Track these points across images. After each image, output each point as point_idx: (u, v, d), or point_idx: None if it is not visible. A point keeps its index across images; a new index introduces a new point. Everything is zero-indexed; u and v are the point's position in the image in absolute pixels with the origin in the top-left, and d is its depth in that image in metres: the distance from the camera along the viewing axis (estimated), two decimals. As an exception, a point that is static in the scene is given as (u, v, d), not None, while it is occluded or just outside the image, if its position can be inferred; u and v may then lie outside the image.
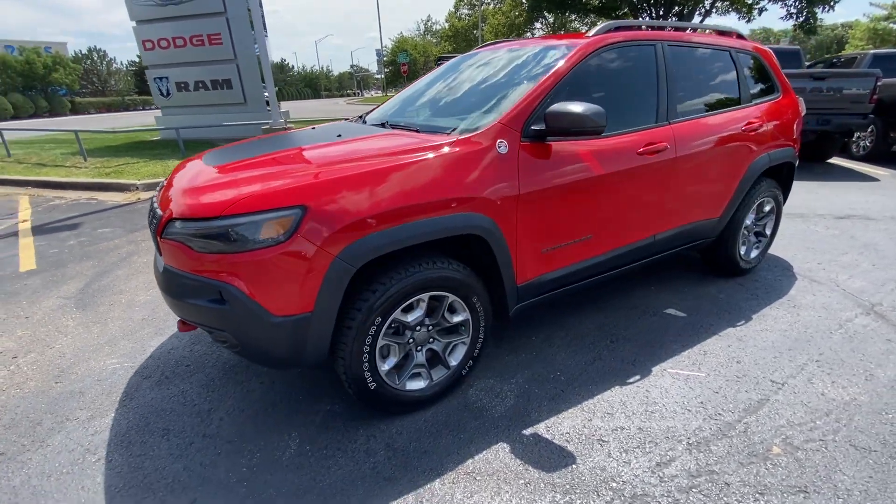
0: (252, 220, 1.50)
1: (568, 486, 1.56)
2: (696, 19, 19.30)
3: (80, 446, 1.80)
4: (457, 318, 1.93)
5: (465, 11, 41.85)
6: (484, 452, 1.72)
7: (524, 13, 26.48)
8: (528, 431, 1.82)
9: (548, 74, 2.08)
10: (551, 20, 29.71)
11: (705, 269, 3.26)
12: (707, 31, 3.00)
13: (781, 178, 3.21)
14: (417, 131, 2.10)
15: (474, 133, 1.89)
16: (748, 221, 3.05)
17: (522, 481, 1.59)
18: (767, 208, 3.18)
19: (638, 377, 2.16)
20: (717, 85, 2.82)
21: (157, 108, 12.04)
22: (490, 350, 2.34)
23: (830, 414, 1.88)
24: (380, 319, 1.68)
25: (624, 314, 2.73)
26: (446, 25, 45.45)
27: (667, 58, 2.49)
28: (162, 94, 11.03)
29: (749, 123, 2.80)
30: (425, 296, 1.79)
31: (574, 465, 1.65)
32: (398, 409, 1.92)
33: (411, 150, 1.81)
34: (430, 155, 1.78)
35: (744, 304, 2.82)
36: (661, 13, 19.07)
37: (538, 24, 29.59)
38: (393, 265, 1.70)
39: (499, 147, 1.86)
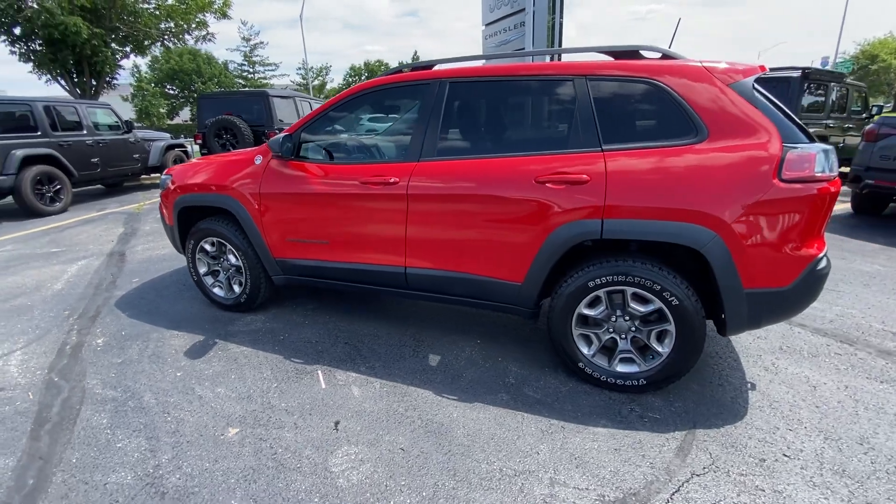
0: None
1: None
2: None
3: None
4: (233, 261, 3.10)
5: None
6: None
7: None
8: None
9: (309, 112, 2.75)
10: None
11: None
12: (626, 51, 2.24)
13: (700, 265, 1.99)
14: None
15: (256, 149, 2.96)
16: (584, 310, 2.17)
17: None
18: (640, 308, 2.08)
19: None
20: (534, 121, 2.21)
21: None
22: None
23: None
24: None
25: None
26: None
27: (449, 95, 2.38)
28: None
29: (558, 174, 2.08)
30: (206, 244, 3.13)
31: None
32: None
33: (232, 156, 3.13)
34: (234, 158, 3.03)
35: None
36: None
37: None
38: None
39: (256, 160, 2.85)
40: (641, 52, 2.22)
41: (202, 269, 3.29)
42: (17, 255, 4.84)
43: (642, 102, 2.06)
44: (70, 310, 3.36)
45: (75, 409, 2.19)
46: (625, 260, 2.05)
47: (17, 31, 12.78)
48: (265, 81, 36.13)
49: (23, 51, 13.26)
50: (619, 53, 2.24)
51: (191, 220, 3.21)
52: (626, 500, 1.61)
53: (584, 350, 2.24)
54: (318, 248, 2.78)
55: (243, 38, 34.97)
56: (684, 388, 2.25)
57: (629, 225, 1.99)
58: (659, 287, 1.99)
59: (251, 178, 2.86)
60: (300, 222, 2.79)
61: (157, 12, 16.15)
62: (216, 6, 16.82)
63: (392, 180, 2.42)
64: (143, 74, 29.97)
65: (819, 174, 1.83)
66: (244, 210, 2.90)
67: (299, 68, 49.54)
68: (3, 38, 12.84)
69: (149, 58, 23.29)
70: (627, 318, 2.14)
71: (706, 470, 1.74)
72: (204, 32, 17.10)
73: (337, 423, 2.05)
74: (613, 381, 2.19)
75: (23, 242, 5.41)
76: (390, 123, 2.75)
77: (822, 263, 1.94)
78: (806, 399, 2.16)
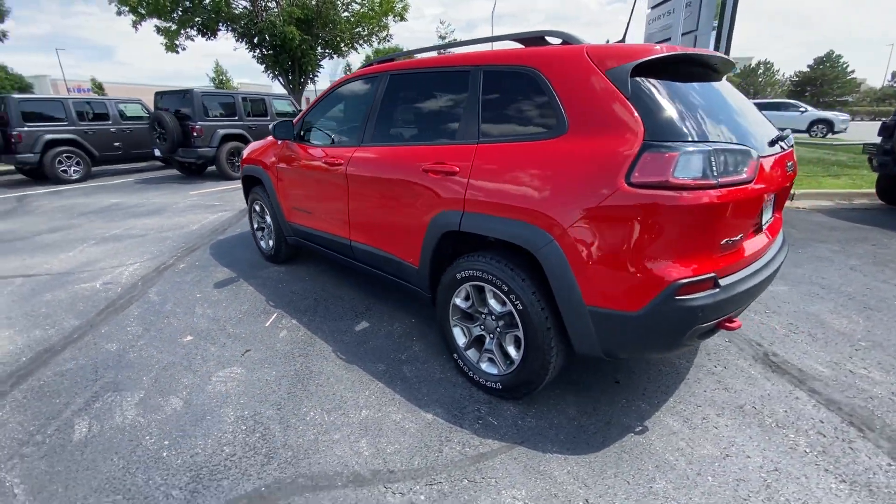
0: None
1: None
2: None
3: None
4: (268, 220, 3.88)
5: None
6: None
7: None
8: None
9: (312, 102, 3.24)
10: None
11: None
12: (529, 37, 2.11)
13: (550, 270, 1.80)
14: None
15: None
16: (458, 302, 2.17)
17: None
18: (497, 307, 1.99)
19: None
20: (436, 113, 2.21)
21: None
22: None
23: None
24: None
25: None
26: None
27: (388, 87, 2.57)
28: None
29: (438, 163, 2.10)
30: (256, 206, 3.97)
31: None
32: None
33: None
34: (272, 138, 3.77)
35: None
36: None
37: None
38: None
39: (278, 141, 3.51)
40: (547, 37, 2.02)
41: (255, 226, 4.21)
42: (192, 204, 6.81)
43: (520, 93, 1.91)
44: (185, 244, 4.71)
45: (130, 303, 3.22)
46: (484, 256, 1.99)
47: (255, 40, 17.00)
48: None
49: (257, 55, 17.62)
50: (526, 40, 2.08)
51: (250, 186, 4.13)
52: (377, 476, 1.68)
53: (460, 342, 2.23)
54: (306, 216, 3.33)
55: (440, 37, 38.42)
56: (560, 408, 2.05)
57: (480, 219, 1.93)
58: (507, 288, 1.88)
59: (274, 154, 3.56)
60: (296, 193, 3.37)
61: (352, 18, 19.22)
62: (397, 10, 19.09)
63: (339, 162, 2.77)
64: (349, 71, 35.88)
65: (680, 179, 1.46)
66: (268, 179, 3.64)
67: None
68: (245, 45, 17.25)
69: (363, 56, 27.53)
70: (493, 317, 2.06)
71: (467, 484, 1.66)
72: (384, 34, 19.64)
73: (247, 351, 2.56)
74: (478, 378, 2.15)
75: (206, 196, 7.52)
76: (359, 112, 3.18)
77: (693, 293, 1.54)
78: (693, 471, 1.74)
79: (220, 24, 16.87)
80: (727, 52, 10.85)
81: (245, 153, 4.09)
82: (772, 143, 1.86)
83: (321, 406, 2.08)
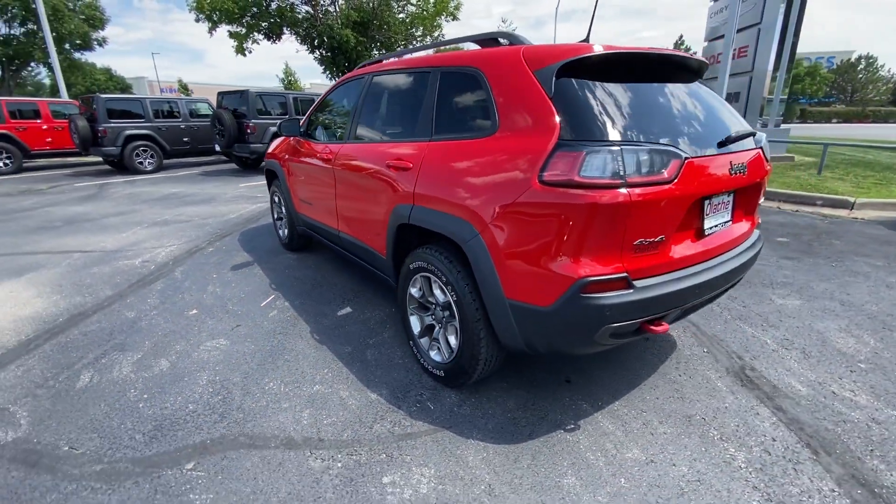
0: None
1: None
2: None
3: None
4: (284, 211, 4.19)
5: None
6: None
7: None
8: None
9: (317, 100, 3.48)
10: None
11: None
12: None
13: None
14: None
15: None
16: (414, 292, 2.28)
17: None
18: (441, 297, 2.08)
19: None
20: (402, 112, 2.31)
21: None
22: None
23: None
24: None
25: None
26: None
27: (369, 87, 2.73)
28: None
29: (397, 159, 2.22)
30: (275, 197, 4.30)
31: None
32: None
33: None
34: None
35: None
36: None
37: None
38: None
39: (290, 138, 3.79)
40: (499, 39, 2.07)
41: (275, 216, 4.57)
42: (238, 195, 7.43)
43: (465, 93, 1.98)
44: (220, 231, 5.20)
45: (157, 279, 3.66)
46: (430, 248, 2.08)
47: (315, 42, 17.98)
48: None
49: (317, 57, 18.63)
50: (483, 42, 2.14)
51: (271, 179, 4.48)
52: (307, 442, 1.85)
53: (415, 330, 2.34)
54: (308, 207, 3.58)
55: None
56: (500, 400, 2.10)
57: (424, 213, 2.02)
58: (445, 279, 1.97)
59: (287, 149, 3.86)
60: (302, 185, 3.64)
61: (406, 20, 19.71)
62: (450, 9, 19.34)
63: (330, 158, 2.98)
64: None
65: (586, 178, 1.47)
66: (282, 173, 3.95)
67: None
68: (307, 47, 18.29)
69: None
70: (439, 307, 2.15)
71: (373, 464, 1.77)
72: (437, 34, 19.96)
73: (237, 326, 2.84)
74: (427, 365, 2.25)
75: (252, 188, 8.16)
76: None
77: (602, 292, 1.54)
78: (608, 472, 1.73)
79: (284, 27, 18.03)
80: (794, 47, 10.00)
81: (268, 149, 4.45)
82: (722, 144, 1.79)
83: (282, 378, 2.28)
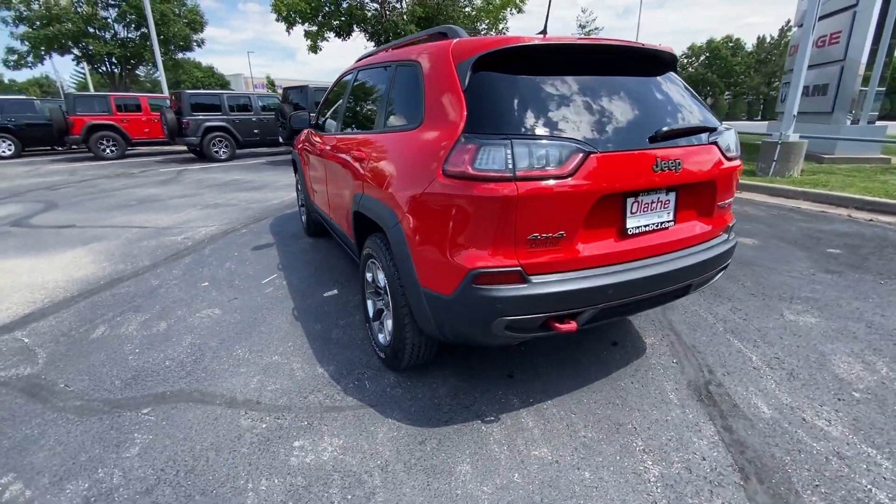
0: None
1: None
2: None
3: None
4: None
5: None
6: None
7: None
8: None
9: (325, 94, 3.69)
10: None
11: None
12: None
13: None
14: None
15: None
16: (368, 277, 2.41)
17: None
18: (382, 282, 2.18)
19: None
20: (370, 104, 2.41)
21: None
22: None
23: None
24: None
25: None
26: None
27: (357, 81, 2.86)
28: (780, 99, 10.61)
29: (357, 150, 2.34)
30: (298, 186, 4.62)
31: (252, 250, 4.29)
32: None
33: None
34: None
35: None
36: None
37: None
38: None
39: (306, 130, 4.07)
40: (445, 33, 2.08)
41: (300, 203, 4.92)
42: (287, 184, 8.03)
43: (407, 86, 2.03)
44: (258, 215, 5.70)
45: (189, 254, 4.13)
46: (374, 235, 2.18)
47: (382, 39, 18.62)
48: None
49: (383, 53, 19.37)
50: (432, 37, 2.17)
51: (295, 170, 4.83)
52: (246, 403, 2.05)
53: (370, 312, 2.46)
54: (315, 194, 3.84)
55: (580, 27, 37.07)
56: (434, 386, 2.16)
57: (366, 200, 2.13)
58: (380, 265, 2.06)
59: (303, 141, 4.15)
60: (310, 174, 3.90)
61: (472, 13, 19.70)
62: (516, 1, 18.99)
63: (323, 149, 3.18)
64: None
65: (479, 171, 1.48)
66: (299, 161, 4.25)
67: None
68: (374, 43, 19.03)
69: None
70: (383, 291, 2.24)
71: (294, 432, 1.91)
72: (502, 27, 19.72)
73: (233, 299, 3.15)
74: (375, 347, 2.36)
75: (302, 177, 8.77)
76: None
77: (494, 284, 1.53)
78: (506, 466, 1.73)
79: (354, 25, 18.89)
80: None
81: (295, 141, 4.80)
82: (655, 139, 1.68)
83: (250, 347, 2.52)
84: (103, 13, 23.30)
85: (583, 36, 2.55)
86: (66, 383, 2.19)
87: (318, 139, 3.54)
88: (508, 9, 19.27)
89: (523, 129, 1.53)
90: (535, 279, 1.56)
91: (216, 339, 2.61)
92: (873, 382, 2.20)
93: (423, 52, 1.97)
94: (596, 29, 36.27)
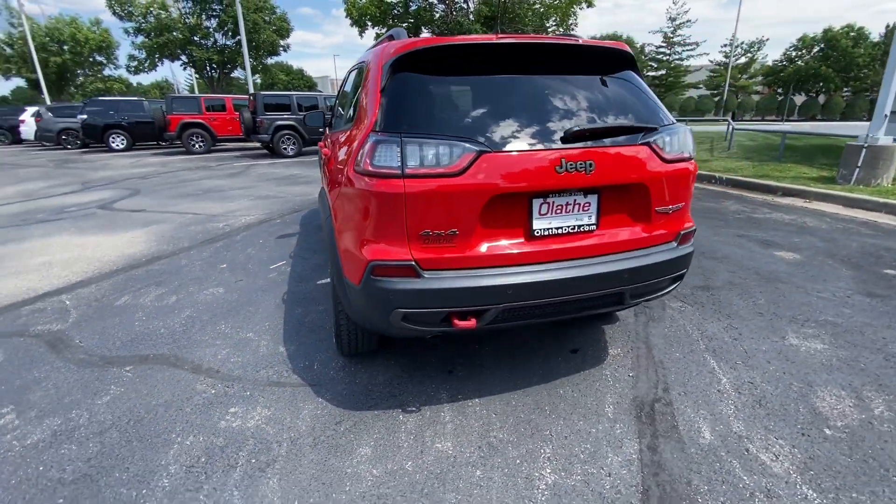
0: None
1: (271, 236, 4.77)
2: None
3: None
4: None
5: None
6: (300, 230, 5.00)
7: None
8: (299, 236, 4.77)
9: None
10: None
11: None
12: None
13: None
14: None
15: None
16: (333, 267, 2.58)
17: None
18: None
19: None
20: (339, 105, 2.54)
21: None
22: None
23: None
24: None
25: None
26: None
27: (351, 79, 3.04)
28: None
29: (330, 148, 2.51)
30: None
31: (276, 239, 4.68)
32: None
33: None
34: (334, 127, 4.65)
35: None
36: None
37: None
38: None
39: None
40: (393, 36, 2.14)
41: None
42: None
43: (356, 86, 2.15)
44: (296, 207, 6.17)
45: (222, 239, 4.63)
46: (330, 227, 2.34)
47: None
48: (679, 63, 35.92)
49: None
50: (385, 39, 2.24)
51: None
52: (207, 371, 2.31)
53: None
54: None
55: (670, 19, 35.10)
56: (375, 374, 2.26)
57: (321, 195, 2.28)
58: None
59: (323, 140, 4.44)
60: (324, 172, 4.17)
61: (542, 10, 19.32)
62: (586, -4, 18.31)
63: (322, 146, 3.41)
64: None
65: (376, 168, 1.55)
66: (320, 161, 4.55)
67: (724, 45, 45.74)
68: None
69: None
70: (341, 282, 2.39)
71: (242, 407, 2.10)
72: (570, 22, 19.10)
73: (238, 281, 3.50)
74: (334, 333, 2.52)
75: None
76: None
77: (389, 276, 1.60)
78: (403, 455, 1.79)
79: (421, 27, 19.42)
80: None
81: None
82: (566, 139, 1.63)
83: (233, 324, 2.81)
84: (206, 23, 26.29)
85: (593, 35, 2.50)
86: (80, 340, 2.62)
87: (330, 137, 3.79)
88: (578, 5, 18.60)
89: (424, 129, 1.58)
90: (427, 274, 1.60)
91: (209, 314, 2.94)
92: (857, 421, 1.92)
93: (369, 55, 2.08)
94: (687, 22, 33.84)
